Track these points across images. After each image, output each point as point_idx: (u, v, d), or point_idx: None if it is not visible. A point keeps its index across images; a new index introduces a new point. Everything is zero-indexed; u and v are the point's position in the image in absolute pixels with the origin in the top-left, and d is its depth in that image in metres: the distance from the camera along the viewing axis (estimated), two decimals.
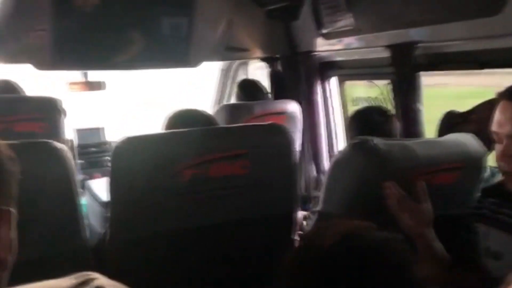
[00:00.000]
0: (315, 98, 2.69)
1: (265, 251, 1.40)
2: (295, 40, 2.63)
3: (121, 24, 2.26)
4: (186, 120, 1.47)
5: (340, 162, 1.38)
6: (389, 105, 2.17)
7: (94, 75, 2.49)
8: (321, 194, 1.43)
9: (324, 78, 2.71)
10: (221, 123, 2.05)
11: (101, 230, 2.00)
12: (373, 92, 2.36)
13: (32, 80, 2.50)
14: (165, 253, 1.30)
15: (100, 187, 2.35)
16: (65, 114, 2.26)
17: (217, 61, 3.18)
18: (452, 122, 1.75)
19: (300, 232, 1.52)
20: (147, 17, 2.30)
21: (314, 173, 2.76)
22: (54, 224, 1.18)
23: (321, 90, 2.71)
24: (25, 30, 2.12)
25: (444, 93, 1.99)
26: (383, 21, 1.97)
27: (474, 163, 1.38)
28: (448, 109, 1.81)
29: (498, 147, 1.14)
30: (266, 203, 1.39)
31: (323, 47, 2.49)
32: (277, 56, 2.81)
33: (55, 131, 2.16)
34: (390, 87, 2.17)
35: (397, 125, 1.80)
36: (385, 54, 2.01)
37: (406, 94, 1.95)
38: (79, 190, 1.28)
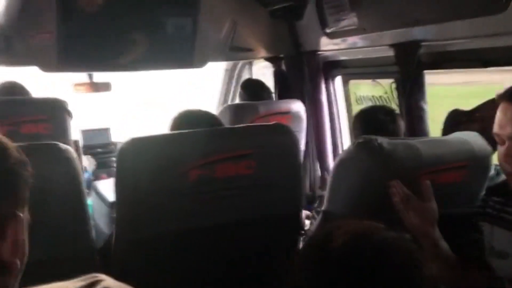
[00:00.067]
0: (319, 97, 2.70)
1: (271, 251, 1.41)
2: (299, 40, 2.63)
3: (126, 26, 2.27)
4: (191, 120, 1.47)
5: (344, 162, 1.38)
6: (394, 104, 2.17)
7: (96, 75, 2.50)
8: (325, 193, 1.44)
9: (329, 77, 2.71)
10: (226, 123, 2.05)
11: (107, 230, 2.02)
12: (377, 91, 2.36)
13: (32, 80, 2.51)
14: (170, 253, 1.31)
15: (107, 187, 2.36)
16: (70, 116, 2.27)
17: (222, 61, 3.18)
18: (457, 120, 1.75)
19: (303, 231, 1.52)
20: (151, 18, 2.31)
21: (319, 172, 2.76)
22: (61, 225, 1.19)
23: (326, 89, 2.71)
24: (31, 32, 2.13)
25: (431, 92, 2.02)
26: (387, 20, 1.96)
27: (479, 162, 1.37)
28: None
29: (500, 148, 1.14)
30: (271, 203, 1.39)
31: (327, 46, 2.49)
32: (281, 56, 2.81)
33: (61, 132, 2.17)
34: (394, 86, 2.17)
35: (402, 124, 1.79)
36: (389, 53, 2.01)
37: (411, 93, 1.95)
38: (86, 191, 1.29)
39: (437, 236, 1.24)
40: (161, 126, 1.52)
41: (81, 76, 2.49)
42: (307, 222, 1.93)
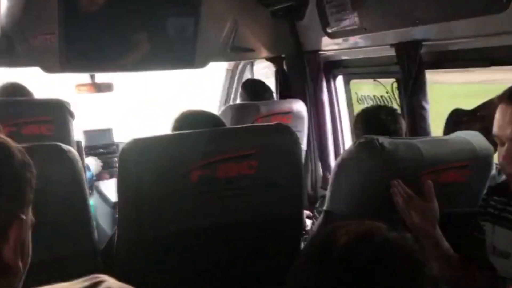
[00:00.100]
0: (321, 97, 2.69)
1: (273, 251, 1.41)
2: (300, 40, 2.64)
3: (127, 27, 2.28)
4: (193, 121, 1.48)
5: (346, 161, 1.38)
6: (395, 104, 2.17)
7: (97, 75, 2.51)
8: (327, 193, 1.44)
9: (330, 77, 2.71)
10: (227, 123, 2.05)
11: (110, 231, 2.02)
12: (378, 90, 2.36)
13: (33, 79, 2.51)
14: (173, 254, 1.31)
15: (109, 188, 2.36)
16: (73, 116, 2.27)
17: (223, 61, 3.19)
18: (458, 120, 1.74)
19: (304, 231, 1.52)
20: (153, 19, 2.32)
21: (321, 172, 2.76)
22: (64, 226, 1.19)
23: (327, 89, 2.71)
24: (34, 33, 2.14)
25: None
26: (388, 19, 1.96)
27: (481, 161, 1.37)
28: None
29: (500, 149, 1.14)
30: (273, 203, 1.39)
31: (328, 46, 2.49)
32: (283, 55, 2.81)
33: (64, 133, 2.17)
34: (395, 85, 2.17)
35: (403, 124, 1.79)
36: (390, 52, 2.01)
37: (412, 92, 1.95)
38: (88, 191, 1.29)
39: (439, 236, 1.24)
40: (161, 125, 1.52)
41: (83, 77, 2.49)
42: (308, 222, 1.94)
